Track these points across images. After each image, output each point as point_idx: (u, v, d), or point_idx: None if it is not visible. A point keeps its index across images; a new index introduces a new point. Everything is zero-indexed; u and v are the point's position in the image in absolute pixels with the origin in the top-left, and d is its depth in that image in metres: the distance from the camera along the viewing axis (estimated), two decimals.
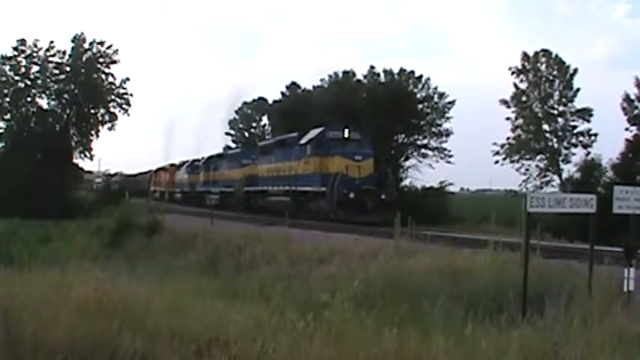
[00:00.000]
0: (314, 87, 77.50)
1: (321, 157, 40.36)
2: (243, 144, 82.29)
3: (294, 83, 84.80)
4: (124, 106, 70.54)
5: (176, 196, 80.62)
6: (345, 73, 74.73)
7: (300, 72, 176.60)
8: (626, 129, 58.26)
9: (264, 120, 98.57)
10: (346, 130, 41.08)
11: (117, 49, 69.56)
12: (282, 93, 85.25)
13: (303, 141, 43.17)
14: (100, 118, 70.73)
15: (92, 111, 70.51)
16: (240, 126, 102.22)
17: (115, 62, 69.68)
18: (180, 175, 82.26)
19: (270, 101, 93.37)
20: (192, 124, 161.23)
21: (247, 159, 57.62)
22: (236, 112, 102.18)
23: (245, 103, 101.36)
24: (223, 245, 28.27)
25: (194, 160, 77.87)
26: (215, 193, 61.64)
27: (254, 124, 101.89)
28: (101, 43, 69.16)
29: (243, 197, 55.31)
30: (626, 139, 56.35)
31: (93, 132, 71.07)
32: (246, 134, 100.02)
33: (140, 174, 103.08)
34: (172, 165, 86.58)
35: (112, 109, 70.66)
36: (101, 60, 69.15)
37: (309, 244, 25.09)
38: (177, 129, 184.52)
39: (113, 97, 70.35)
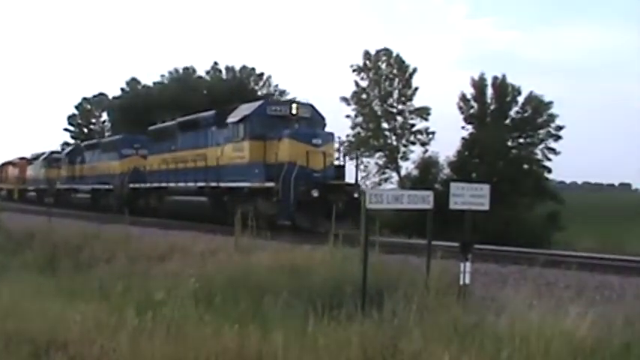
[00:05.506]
0: (154, 83, 76.66)
1: (263, 141, 29.18)
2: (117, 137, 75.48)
3: (134, 79, 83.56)
4: None
5: (29, 195, 70.58)
6: (185, 69, 74.29)
7: (141, 66, 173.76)
8: (462, 127, 60.88)
9: (104, 116, 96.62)
10: (293, 105, 30.49)
11: None
12: (122, 89, 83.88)
13: (231, 119, 31.11)
14: None
15: None
16: (80, 122, 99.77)
17: None
18: (34, 169, 70.11)
19: (110, 97, 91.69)
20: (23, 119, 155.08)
21: (129, 148, 46.77)
22: (76, 107, 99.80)
23: (84, 99, 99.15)
24: (62, 244, 27.48)
25: (53, 152, 67.18)
26: (84, 192, 53.53)
27: (94, 120, 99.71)
28: None
29: (128, 196, 43.08)
30: (462, 138, 58.85)
31: None
32: (86, 130, 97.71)
33: None
34: (23, 158, 75.80)
35: None
36: None
37: (149, 241, 24.78)
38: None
39: None
